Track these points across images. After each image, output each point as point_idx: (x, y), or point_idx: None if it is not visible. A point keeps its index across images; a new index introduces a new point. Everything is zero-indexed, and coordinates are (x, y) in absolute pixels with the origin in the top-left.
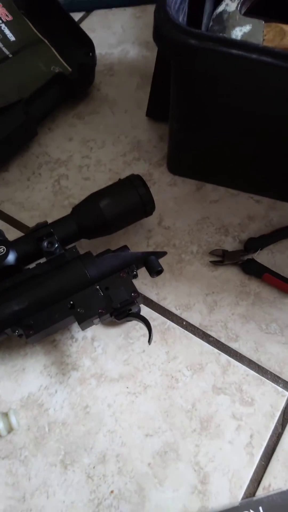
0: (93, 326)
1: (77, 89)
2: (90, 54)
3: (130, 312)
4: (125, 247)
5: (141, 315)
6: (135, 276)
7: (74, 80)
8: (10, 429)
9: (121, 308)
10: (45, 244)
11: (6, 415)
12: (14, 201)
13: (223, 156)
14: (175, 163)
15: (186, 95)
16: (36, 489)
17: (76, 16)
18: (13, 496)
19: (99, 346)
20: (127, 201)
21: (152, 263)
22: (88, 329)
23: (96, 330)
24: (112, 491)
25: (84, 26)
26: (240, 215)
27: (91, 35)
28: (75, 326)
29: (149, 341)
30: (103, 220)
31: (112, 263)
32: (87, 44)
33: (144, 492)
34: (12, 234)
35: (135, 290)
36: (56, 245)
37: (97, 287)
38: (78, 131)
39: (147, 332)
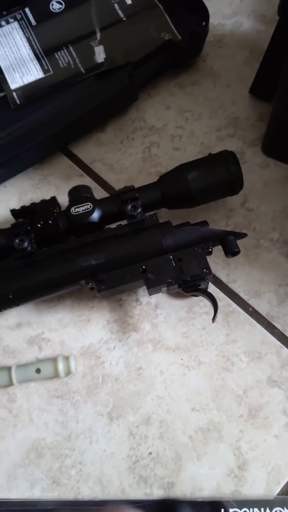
0: (159, 294)
1: (184, 58)
2: (203, 23)
3: (198, 287)
4: (204, 223)
5: (209, 293)
6: (210, 253)
7: (183, 49)
8: (68, 372)
9: (191, 281)
10: (129, 207)
11: (67, 358)
12: (105, 162)
13: None
14: (272, 144)
15: None
16: (81, 432)
17: None
18: (60, 433)
19: (161, 314)
20: (216, 176)
21: (229, 243)
22: (153, 296)
23: (161, 298)
24: (150, 453)
25: None
26: None
27: (206, 3)
28: (142, 290)
29: (213, 319)
30: (188, 192)
31: (189, 236)
32: (202, 13)
33: (181, 462)
34: (98, 193)
35: (207, 266)
36: (139, 210)
37: (170, 257)
38: (177, 100)
39: (210, 310)
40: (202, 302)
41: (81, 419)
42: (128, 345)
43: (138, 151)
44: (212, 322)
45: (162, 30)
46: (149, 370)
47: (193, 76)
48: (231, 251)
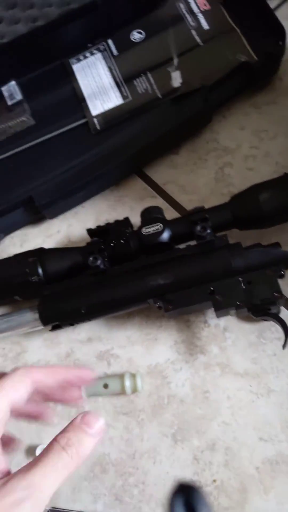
0: (228, 317)
1: (260, 79)
2: (280, 42)
3: (269, 311)
4: (277, 244)
5: (280, 318)
6: (282, 276)
7: (258, 69)
8: (134, 390)
9: (261, 305)
10: (198, 228)
11: (133, 376)
12: (178, 183)
13: None
14: None
15: None
16: (145, 452)
17: (273, 3)
18: (125, 450)
19: (229, 338)
20: None
21: None
22: (221, 318)
23: (230, 321)
24: (215, 480)
25: (279, 13)
26: None
27: (284, 22)
28: (210, 312)
29: (284, 345)
30: (260, 214)
31: (260, 258)
32: (278, 33)
33: (246, 494)
34: (170, 214)
35: (279, 290)
36: (208, 231)
37: (240, 279)
38: (251, 120)
39: (282, 336)
40: (274, 327)
41: (145, 438)
42: (195, 367)
43: (210, 172)
44: (283, 349)
45: (238, 52)
46: (216, 394)
47: (268, 95)
48: None
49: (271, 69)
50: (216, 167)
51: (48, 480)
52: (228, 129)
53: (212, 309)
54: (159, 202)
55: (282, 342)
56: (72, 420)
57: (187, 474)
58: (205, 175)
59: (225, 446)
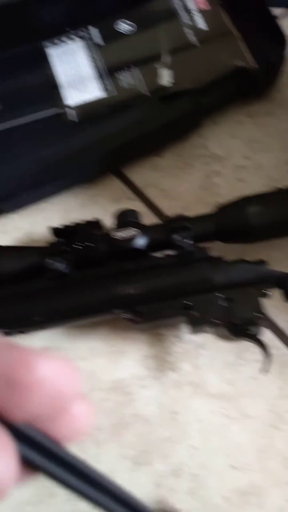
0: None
1: (256, 87)
2: (280, 52)
3: (248, 332)
4: (262, 262)
5: (260, 340)
6: (265, 295)
7: (255, 77)
8: None
9: (240, 325)
10: (178, 237)
11: None
12: (159, 187)
13: None
14: None
15: None
16: None
17: (277, 11)
18: None
19: (204, 355)
20: (280, 214)
21: None
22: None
23: (206, 338)
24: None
25: (282, 22)
26: None
27: (287, 31)
28: (184, 327)
29: (264, 370)
30: (247, 228)
31: (243, 274)
32: (279, 41)
33: None
34: (148, 219)
35: (261, 311)
36: (189, 241)
37: (220, 295)
38: (244, 130)
39: (262, 357)
40: (253, 348)
41: (103, 460)
42: (164, 385)
43: (197, 178)
44: (263, 374)
45: (235, 56)
46: (185, 415)
47: (265, 106)
48: None
49: (270, 78)
50: (203, 174)
51: None
52: (218, 136)
53: (187, 324)
54: (137, 205)
55: (262, 364)
56: None
57: (148, 502)
58: (190, 181)
59: (191, 472)
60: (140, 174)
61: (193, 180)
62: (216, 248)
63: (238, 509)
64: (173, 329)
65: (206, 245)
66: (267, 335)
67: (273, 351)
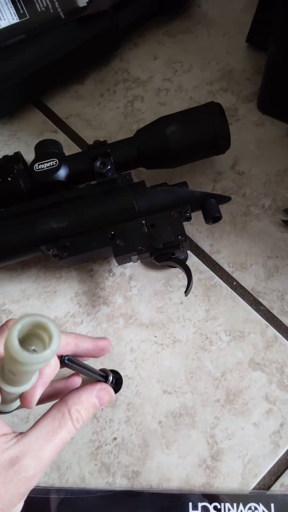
0: (133, 265)
1: (174, 2)
2: None
3: (172, 256)
4: (184, 184)
5: (183, 262)
6: (188, 218)
7: None
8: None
9: (163, 249)
10: (97, 164)
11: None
12: (82, 117)
13: None
14: (267, 98)
15: None
16: (39, 414)
17: None
18: (17, 413)
19: (135, 287)
20: (198, 131)
21: (210, 207)
22: (127, 266)
23: (136, 269)
24: (115, 438)
25: None
26: None
27: None
28: (115, 260)
29: (186, 292)
30: (166, 148)
31: (165, 198)
32: None
33: (148, 449)
34: (73, 151)
35: (183, 233)
36: (109, 167)
37: (143, 221)
38: (165, 50)
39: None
40: (181, 274)
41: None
42: (97, 319)
43: (119, 105)
44: (185, 296)
45: None
46: (119, 347)
47: (185, 23)
48: (211, 216)
49: None
50: (125, 100)
51: (50, 445)
52: (139, 58)
53: (112, 253)
54: (61, 137)
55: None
56: (88, 388)
57: (86, 435)
58: (113, 108)
59: (127, 402)
60: (62, 105)
61: (116, 107)
62: (143, 176)
63: (172, 431)
64: (104, 263)
65: (128, 172)
66: (193, 259)
67: (198, 275)
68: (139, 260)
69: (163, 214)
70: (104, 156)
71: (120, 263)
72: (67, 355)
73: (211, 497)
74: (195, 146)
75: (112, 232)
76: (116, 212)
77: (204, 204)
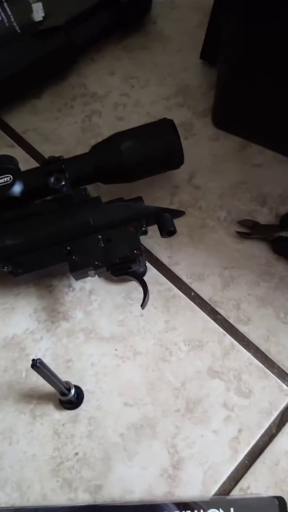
0: (94, 279)
1: (130, 18)
2: None
3: (129, 270)
4: (139, 198)
5: (139, 275)
6: (145, 232)
7: (127, 6)
8: None
9: (120, 264)
10: (52, 180)
11: None
12: (40, 132)
13: (277, 113)
14: (221, 114)
15: (239, 22)
16: (0, 433)
17: None
18: None
19: (95, 301)
20: (151, 147)
21: (164, 221)
22: (87, 281)
23: (96, 283)
24: (76, 453)
25: None
26: (284, 185)
27: None
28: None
29: (142, 304)
30: (121, 164)
31: (121, 213)
32: None
33: (110, 463)
34: (31, 165)
35: (139, 247)
36: (63, 183)
37: (99, 237)
38: (122, 65)
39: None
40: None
41: (0, 417)
42: (57, 335)
43: (77, 120)
44: (142, 308)
45: None
46: (80, 362)
47: (141, 39)
48: (166, 230)
49: (141, 7)
50: (82, 115)
51: None
52: (97, 73)
53: (69, 269)
54: (18, 152)
55: (150, 302)
56: None
57: (47, 451)
58: (71, 123)
59: (88, 416)
60: (19, 119)
61: (74, 122)
62: (101, 192)
63: (134, 443)
64: (64, 278)
65: (84, 187)
66: (152, 271)
67: (158, 287)
68: (97, 275)
69: (120, 229)
70: (59, 172)
71: (77, 278)
72: (38, 359)
73: (173, 506)
74: (149, 162)
75: (68, 248)
76: (72, 228)
77: (159, 218)
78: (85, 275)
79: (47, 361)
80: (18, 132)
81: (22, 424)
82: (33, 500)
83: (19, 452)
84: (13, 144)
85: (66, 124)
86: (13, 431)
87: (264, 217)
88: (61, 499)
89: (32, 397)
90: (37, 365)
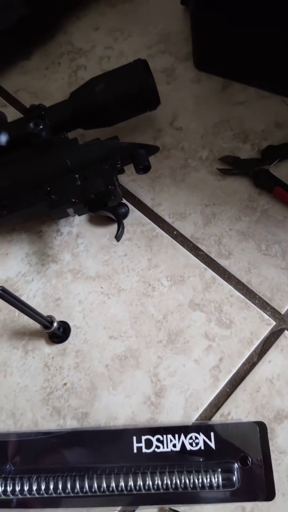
0: (80, 223)
1: None
2: None
3: (106, 205)
4: (115, 137)
5: (113, 209)
6: (121, 170)
7: None
8: None
9: (96, 199)
10: (31, 125)
11: None
12: (29, 90)
13: (254, 46)
14: (201, 56)
15: None
16: None
17: None
18: None
19: (82, 243)
20: (124, 86)
21: (139, 157)
22: (74, 225)
23: (82, 227)
24: (65, 384)
25: None
26: (267, 120)
27: None
28: (63, 220)
29: (116, 236)
30: (97, 105)
31: (96, 152)
32: None
33: (96, 392)
34: None
35: (113, 183)
36: (41, 127)
37: (76, 176)
38: (106, 20)
39: (133, 236)
40: (125, 228)
41: None
42: (47, 276)
43: (64, 76)
44: (117, 241)
45: None
46: (68, 300)
47: None
48: (140, 165)
49: None
50: (69, 70)
51: None
52: (82, 30)
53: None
54: (11, 111)
55: (133, 242)
56: None
57: (38, 382)
58: (58, 79)
59: (76, 349)
60: (10, 80)
61: (61, 78)
62: (86, 137)
63: (118, 373)
64: (52, 224)
65: (63, 132)
66: (136, 213)
67: (141, 228)
68: (84, 217)
69: (95, 167)
70: (39, 118)
71: (56, 217)
72: (1, 286)
73: (155, 430)
74: (123, 101)
75: (48, 189)
76: (51, 169)
77: (134, 155)
78: (65, 214)
79: (37, 300)
80: (10, 92)
81: (15, 358)
82: (26, 426)
83: (13, 383)
84: (6, 104)
85: (54, 81)
86: (7, 364)
87: (246, 153)
88: (51, 425)
89: (24, 333)
90: (1, 293)
